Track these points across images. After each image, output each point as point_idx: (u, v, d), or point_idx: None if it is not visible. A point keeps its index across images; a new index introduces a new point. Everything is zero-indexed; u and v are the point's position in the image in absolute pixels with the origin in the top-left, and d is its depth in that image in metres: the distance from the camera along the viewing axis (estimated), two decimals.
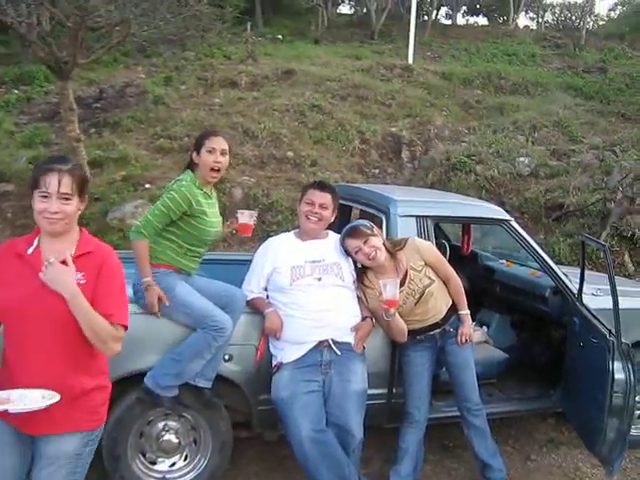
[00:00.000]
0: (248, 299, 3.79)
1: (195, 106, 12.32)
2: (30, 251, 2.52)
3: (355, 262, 3.84)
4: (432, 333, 3.97)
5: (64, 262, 2.45)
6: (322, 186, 3.87)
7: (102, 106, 12.25)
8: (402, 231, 4.09)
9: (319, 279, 3.67)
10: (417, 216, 4.14)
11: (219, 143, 3.69)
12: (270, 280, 3.77)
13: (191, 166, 3.76)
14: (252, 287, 3.83)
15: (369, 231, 3.75)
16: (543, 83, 16.61)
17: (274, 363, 3.71)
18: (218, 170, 3.70)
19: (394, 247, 3.87)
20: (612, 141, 12.45)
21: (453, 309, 4.03)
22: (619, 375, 3.88)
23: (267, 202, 9.34)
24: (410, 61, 16.86)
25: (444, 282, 4.00)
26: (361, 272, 3.87)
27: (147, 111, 11.92)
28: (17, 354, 2.52)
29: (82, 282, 2.46)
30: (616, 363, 3.89)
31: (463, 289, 4.04)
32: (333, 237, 3.92)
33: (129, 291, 3.67)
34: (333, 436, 3.53)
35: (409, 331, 3.87)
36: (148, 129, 11.24)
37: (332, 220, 3.88)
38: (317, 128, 12.01)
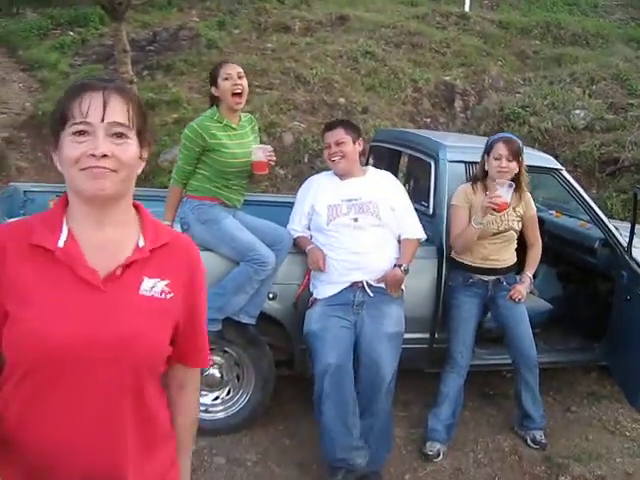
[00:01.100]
0: (294, 236, 3.83)
1: (247, 50, 12.24)
2: (61, 243, 1.45)
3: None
4: (487, 279, 3.98)
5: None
6: (331, 124, 3.90)
7: (155, 49, 12.26)
8: (450, 177, 4.07)
9: (355, 219, 3.68)
10: (466, 162, 4.10)
11: (233, 68, 3.74)
12: (311, 219, 3.81)
13: (213, 102, 3.81)
14: (295, 226, 3.88)
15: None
16: (604, 34, 16.00)
17: (310, 299, 3.76)
18: (240, 94, 3.73)
19: (521, 185, 3.89)
20: None
21: (514, 268, 4.06)
22: None
23: (317, 148, 9.29)
24: (467, 9, 16.40)
25: (527, 244, 4.10)
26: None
27: (200, 55, 11.90)
28: (41, 421, 1.43)
29: (169, 296, 1.51)
30: None
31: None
32: (372, 174, 3.92)
33: (177, 227, 3.82)
34: (352, 379, 3.56)
35: (465, 269, 3.92)
36: (201, 73, 11.22)
37: (360, 149, 3.85)
38: (369, 75, 11.84)
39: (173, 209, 3.82)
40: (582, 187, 9.69)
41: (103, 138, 1.40)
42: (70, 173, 1.43)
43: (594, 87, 12.62)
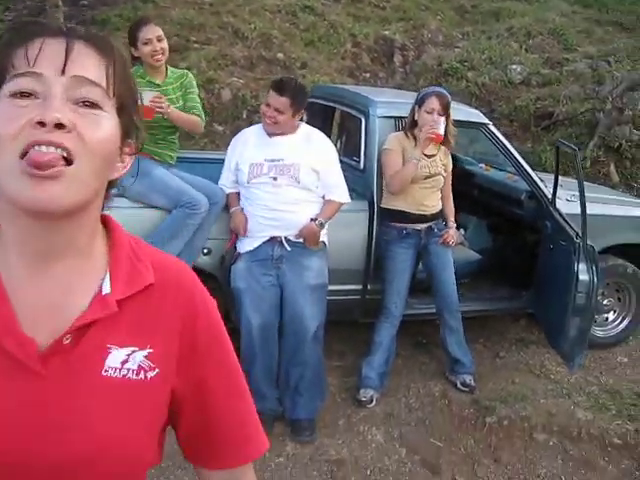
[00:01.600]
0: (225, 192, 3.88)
1: (184, 5, 11.98)
2: None
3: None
4: (419, 228, 4.11)
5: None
6: (281, 89, 3.68)
7: (89, 3, 11.91)
8: (381, 132, 4.16)
9: (274, 178, 3.71)
10: (396, 117, 4.19)
11: (152, 31, 3.75)
12: (236, 174, 3.83)
13: (135, 60, 3.81)
14: (224, 181, 3.92)
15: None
16: None
17: (234, 254, 3.85)
18: (162, 55, 3.77)
19: (447, 137, 4.04)
20: (607, 51, 12.26)
21: (440, 215, 4.23)
22: (583, 276, 4.05)
23: (256, 104, 9.25)
24: None
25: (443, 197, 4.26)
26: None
27: (135, 9, 11.60)
28: None
29: (151, 375, 0.96)
30: (581, 265, 4.05)
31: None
32: (303, 131, 3.85)
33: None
34: (276, 333, 3.75)
35: (398, 221, 4.08)
36: None
37: (297, 119, 3.79)
38: (308, 30, 11.77)
39: None
40: (518, 141, 9.92)
41: (61, 100, 0.85)
42: (1, 166, 0.85)
43: (531, 42, 12.80)
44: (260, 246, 3.74)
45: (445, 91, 4.08)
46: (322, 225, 3.77)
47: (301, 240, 3.76)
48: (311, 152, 3.80)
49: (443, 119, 3.90)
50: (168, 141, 3.93)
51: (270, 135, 3.79)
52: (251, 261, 3.74)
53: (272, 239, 3.73)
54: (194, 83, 4.09)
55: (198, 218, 3.69)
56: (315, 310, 3.72)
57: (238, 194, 3.88)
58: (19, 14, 12.03)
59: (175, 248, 3.68)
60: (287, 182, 3.71)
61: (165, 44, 3.78)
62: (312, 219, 3.77)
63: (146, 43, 3.70)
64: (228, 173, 3.88)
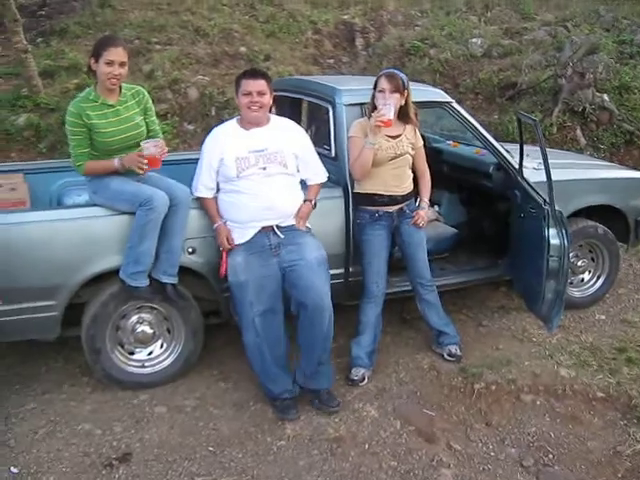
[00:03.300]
0: (199, 196, 3.95)
1: (142, 6, 11.99)
2: None
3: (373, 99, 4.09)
4: (391, 210, 4.23)
5: None
6: (254, 74, 3.87)
7: (47, 13, 11.88)
8: (348, 120, 4.26)
9: (264, 168, 3.82)
10: (362, 104, 4.29)
11: (118, 55, 3.72)
12: (219, 171, 3.88)
13: (89, 72, 3.86)
14: (202, 183, 3.94)
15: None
16: None
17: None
18: (117, 80, 3.79)
19: (409, 115, 4.16)
20: (564, 16, 12.46)
21: (412, 195, 4.34)
22: (554, 240, 4.21)
23: (223, 100, 9.33)
24: None
25: (417, 175, 4.37)
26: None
27: (94, 15, 11.61)
28: None
29: None
30: (551, 230, 4.22)
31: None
32: (275, 121, 4.00)
33: (81, 198, 3.95)
34: (281, 318, 3.86)
35: (370, 204, 4.19)
36: (97, 34, 10.93)
37: (271, 103, 3.93)
38: (268, 21, 11.84)
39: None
40: (485, 113, 10.03)
41: None
42: None
43: (489, 14, 12.99)
44: (254, 237, 3.83)
45: (399, 72, 4.16)
46: (315, 205, 4.01)
47: (290, 223, 3.89)
48: (289, 138, 3.96)
49: (393, 102, 3.95)
50: None
51: (247, 128, 3.89)
52: (249, 253, 3.82)
53: (264, 228, 3.84)
54: (150, 102, 4.09)
55: (156, 212, 3.71)
56: (325, 282, 3.82)
57: (215, 200, 3.95)
58: None
59: (148, 248, 3.77)
60: (277, 170, 3.83)
61: (125, 70, 3.78)
62: (306, 200, 3.97)
63: (108, 63, 3.70)
64: (206, 174, 3.91)
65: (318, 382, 3.98)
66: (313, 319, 3.76)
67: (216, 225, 3.89)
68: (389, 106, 3.91)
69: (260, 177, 3.81)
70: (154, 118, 4.11)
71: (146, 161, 3.73)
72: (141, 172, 3.77)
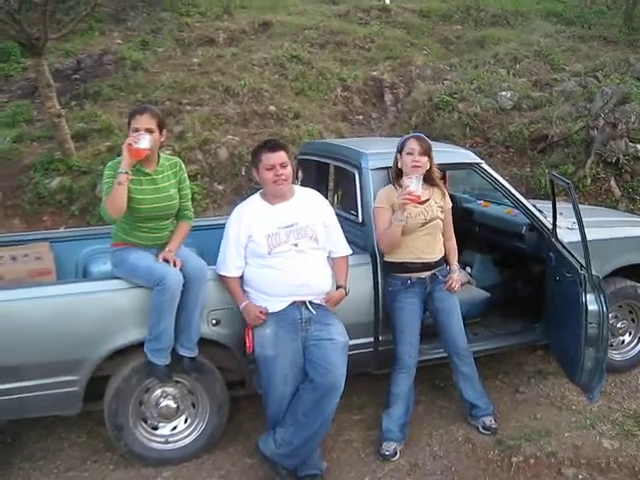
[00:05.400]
0: (225, 275, 3.84)
1: (174, 68, 12.24)
2: None
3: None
4: (423, 276, 4.11)
5: None
6: (274, 147, 3.76)
7: (81, 77, 12.16)
8: (375, 184, 4.19)
9: (296, 244, 3.71)
10: (389, 167, 4.21)
11: (141, 122, 3.70)
12: (247, 248, 3.77)
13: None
14: (228, 262, 3.82)
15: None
16: (523, 12, 16.38)
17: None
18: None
19: (434, 179, 4.08)
20: (594, 66, 12.37)
21: (444, 260, 4.22)
22: (592, 307, 4.04)
23: None
24: (387, 1, 16.62)
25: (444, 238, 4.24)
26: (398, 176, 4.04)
27: (126, 78, 11.86)
28: None
29: None
30: (588, 295, 4.05)
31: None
32: (299, 193, 3.91)
33: (107, 266, 3.89)
34: (303, 399, 3.69)
35: (402, 271, 4.07)
36: (129, 96, 11.22)
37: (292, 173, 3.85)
38: (297, 79, 11.96)
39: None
40: (516, 166, 9.92)
41: None
42: None
43: (518, 66, 12.94)
44: (286, 309, 3.73)
45: (424, 135, 4.11)
46: (348, 292, 3.91)
47: (322, 302, 3.80)
48: (315, 209, 3.88)
49: (417, 176, 3.81)
50: (159, 228, 3.92)
51: (272, 202, 3.80)
52: (279, 326, 3.71)
53: (296, 302, 3.74)
54: (186, 174, 4.05)
55: (169, 292, 3.65)
56: (344, 365, 3.71)
57: (240, 278, 3.84)
58: (14, 94, 12.27)
59: (167, 326, 3.70)
60: (309, 245, 3.74)
61: (155, 136, 3.75)
62: (339, 286, 3.88)
63: (135, 131, 3.69)
64: (234, 252, 3.79)
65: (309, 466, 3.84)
66: (324, 398, 3.64)
67: (244, 304, 3.77)
68: (415, 179, 3.78)
69: (293, 253, 3.71)
70: (187, 191, 4.06)
71: None
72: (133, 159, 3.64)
